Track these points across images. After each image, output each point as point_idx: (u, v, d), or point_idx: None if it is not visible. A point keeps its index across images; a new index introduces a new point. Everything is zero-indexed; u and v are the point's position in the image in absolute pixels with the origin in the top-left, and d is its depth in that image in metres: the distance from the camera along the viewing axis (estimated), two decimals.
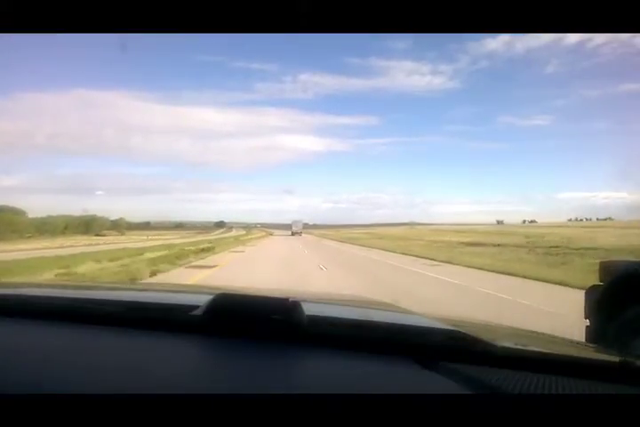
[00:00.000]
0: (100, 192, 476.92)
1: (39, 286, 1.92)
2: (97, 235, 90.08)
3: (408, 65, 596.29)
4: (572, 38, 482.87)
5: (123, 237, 72.37)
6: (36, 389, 0.64)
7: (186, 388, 0.68)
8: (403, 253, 26.32)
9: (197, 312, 0.93)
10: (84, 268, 15.34)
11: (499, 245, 30.79)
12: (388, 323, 1.06)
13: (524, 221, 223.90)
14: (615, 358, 0.85)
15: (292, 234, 71.22)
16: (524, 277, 13.13)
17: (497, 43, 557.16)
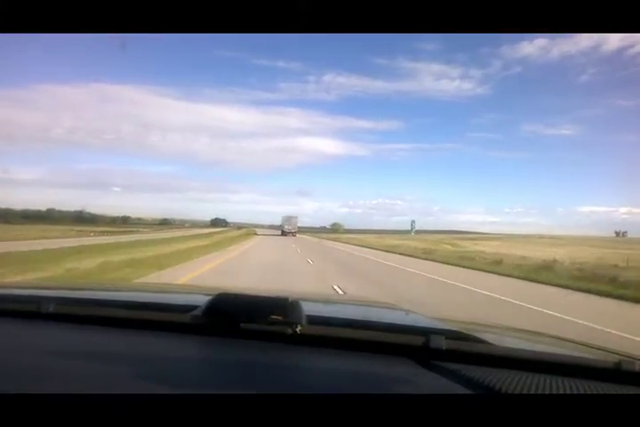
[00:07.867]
0: (116, 188, 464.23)
1: (38, 286, 1.92)
2: None
3: (437, 68, 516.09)
4: (610, 46, 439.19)
5: None
6: (36, 389, 0.64)
7: (185, 388, 0.68)
8: None
9: (197, 312, 0.93)
10: None
11: None
12: (387, 323, 1.05)
13: None
14: (615, 358, 0.85)
15: (283, 234, 59.01)
16: None
17: (532, 47, 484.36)
